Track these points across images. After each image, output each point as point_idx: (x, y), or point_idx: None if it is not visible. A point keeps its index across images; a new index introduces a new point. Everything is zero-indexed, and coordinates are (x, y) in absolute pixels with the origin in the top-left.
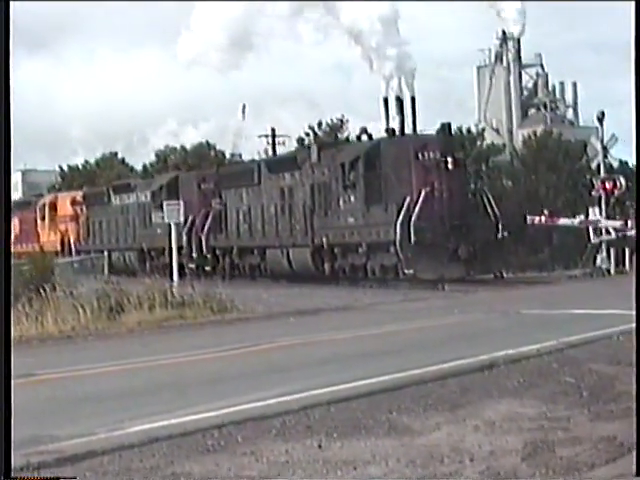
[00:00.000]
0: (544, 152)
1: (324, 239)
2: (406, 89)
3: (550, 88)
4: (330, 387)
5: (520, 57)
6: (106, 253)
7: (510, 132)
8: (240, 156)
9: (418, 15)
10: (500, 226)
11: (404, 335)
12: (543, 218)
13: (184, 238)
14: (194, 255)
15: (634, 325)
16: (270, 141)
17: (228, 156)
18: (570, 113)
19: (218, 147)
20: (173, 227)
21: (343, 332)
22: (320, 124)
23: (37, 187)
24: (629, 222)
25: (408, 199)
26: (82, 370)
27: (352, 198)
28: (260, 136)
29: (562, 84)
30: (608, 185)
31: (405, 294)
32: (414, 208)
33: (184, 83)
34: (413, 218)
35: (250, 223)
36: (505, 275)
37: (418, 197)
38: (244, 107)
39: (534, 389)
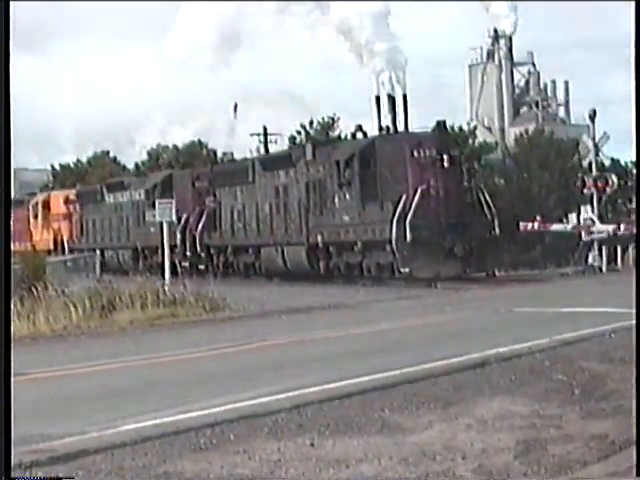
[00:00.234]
0: (536, 150)
1: (319, 237)
2: (398, 87)
3: (542, 86)
4: (322, 385)
5: (512, 55)
6: (98, 252)
7: (502, 130)
8: (232, 155)
9: (409, 13)
10: (496, 224)
11: (396, 333)
12: (536, 224)
13: (178, 236)
14: (188, 253)
15: (634, 322)
16: (262, 139)
17: (220, 155)
18: (562, 111)
19: (210, 145)
20: (165, 225)
21: (335, 330)
22: (312, 122)
23: (28, 186)
24: (622, 225)
25: (404, 197)
26: (74, 369)
27: (347, 196)
28: (252, 134)
29: (554, 82)
30: (600, 183)
31: (398, 292)
32: (410, 206)
33: (173, 81)
34: (409, 216)
35: (245, 221)
36: (497, 273)
37: (414, 195)
38: (236, 106)
39: (526, 387)
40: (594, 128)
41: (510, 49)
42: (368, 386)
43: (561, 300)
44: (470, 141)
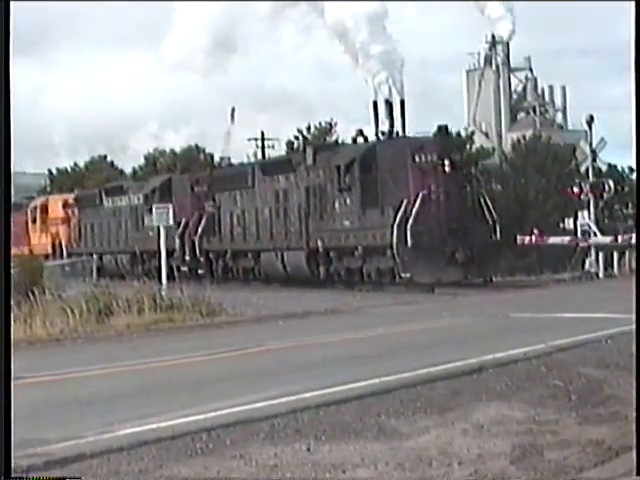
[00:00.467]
0: (533, 156)
1: (319, 242)
2: (395, 92)
3: (539, 92)
4: (319, 390)
5: (509, 61)
6: (95, 256)
7: (499, 136)
8: (229, 159)
9: (406, 18)
10: (498, 229)
11: (393, 338)
12: (533, 238)
13: (177, 241)
14: (187, 258)
15: (634, 327)
16: (259, 144)
17: (217, 159)
18: (559, 117)
19: (207, 150)
20: (162, 230)
21: (331, 335)
22: (309, 127)
23: (26, 190)
24: (619, 238)
25: (405, 202)
26: (71, 373)
27: (348, 201)
28: (250, 139)
29: (551, 88)
30: (597, 189)
31: (395, 298)
32: (411, 211)
33: (169, 86)
34: (410, 221)
35: (244, 226)
36: (494, 279)
37: (415, 200)
38: (233, 110)
39: (522, 392)
40: (591, 134)
41: (507, 55)
42: (364, 391)
43: (557, 306)
44: (467, 146)
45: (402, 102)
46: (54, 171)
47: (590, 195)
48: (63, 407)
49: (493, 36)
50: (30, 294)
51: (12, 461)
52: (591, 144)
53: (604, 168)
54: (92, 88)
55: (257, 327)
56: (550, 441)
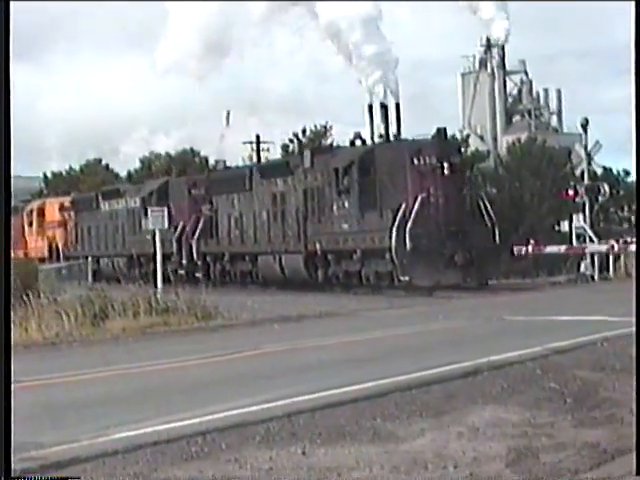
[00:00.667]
0: (528, 159)
1: (317, 245)
2: (390, 95)
3: (534, 95)
4: (314, 394)
5: (504, 64)
6: (90, 259)
7: (494, 139)
8: (225, 163)
9: (400, 22)
10: (497, 232)
11: (388, 341)
12: (530, 248)
13: (174, 244)
14: (184, 261)
15: (634, 330)
16: (254, 147)
17: (212, 162)
18: (554, 120)
19: (202, 153)
20: (158, 233)
21: (327, 339)
22: (304, 131)
23: (20, 193)
24: (615, 246)
25: (404, 205)
26: (66, 377)
27: (346, 204)
28: (245, 142)
29: (546, 91)
30: (592, 192)
31: (390, 301)
32: (410, 214)
33: (163, 89)
34: (409, 224)
35: (242, 229)
36: (489, 282)
37: (414, 203)
38: (228, 114)
39: (518, 395)
40: (586, 137)
41: (503, 58)
42: (360, 394)
43: (553, 308)
44: (463, 149)
45: (397, 105)
46: (49, 174)
47: (585, 198)
48: (58, 411)
49: (488, 39)
50: (25, 298)
51: (12, 461)
52: (586, 147)
53: (599, 171)
54: (87, 91)
55: (252, 330)
56: (545, 444)
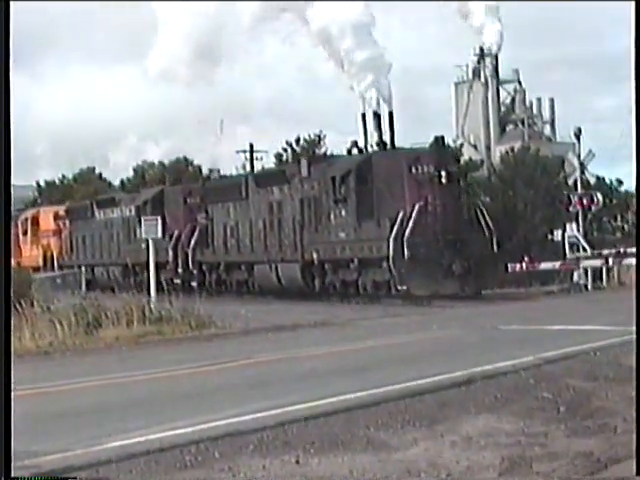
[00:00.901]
0: (522, 168)
1: (314, 254)
2: (383, 103)
3: (527, 104)
4: (308, 403)
5: (498, 73)
6: (83, 268)
7: (488, 148)
8: (218, 171)
9: (392, 30)
10: (495, 241)
11: (382, 351)
12: (524, 265)
13: (170, 253)
14: (180, 270)
15: (634, 337)
16: (248, 156)
17: (205, 171)
18: (547, 129)
19: (195, 162)
20: (151, 242)
21: (321, 348)
22: (298, 140)
23: (14, 202)
24: (610, 260)
25: (401, 214)
26: (59, 386)
27: (343, 213)
28: (238, 151)
29: (539, 100)
30: (585, 201)
31: (385, 310)
32: (407, 223)
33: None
34: (406, 233)
35: (238, 238)
36: (483, 291)
37: (411, 212)
38: (222, 122)
39: (511, 405)
40: (579, 146)
41: (496, 67)
42: (353, 403)
43: (546, 318)
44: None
45: (390, 114)
46: (41, 183)
47: (578, 207)
48: (52, 420)
49: (481, 48)
50: (19, 306)
51: (12, 461)
52: (579, 156)
53: (592, 180)
54: (77, 100)
55: (246, 339)
56: (539, 453)
